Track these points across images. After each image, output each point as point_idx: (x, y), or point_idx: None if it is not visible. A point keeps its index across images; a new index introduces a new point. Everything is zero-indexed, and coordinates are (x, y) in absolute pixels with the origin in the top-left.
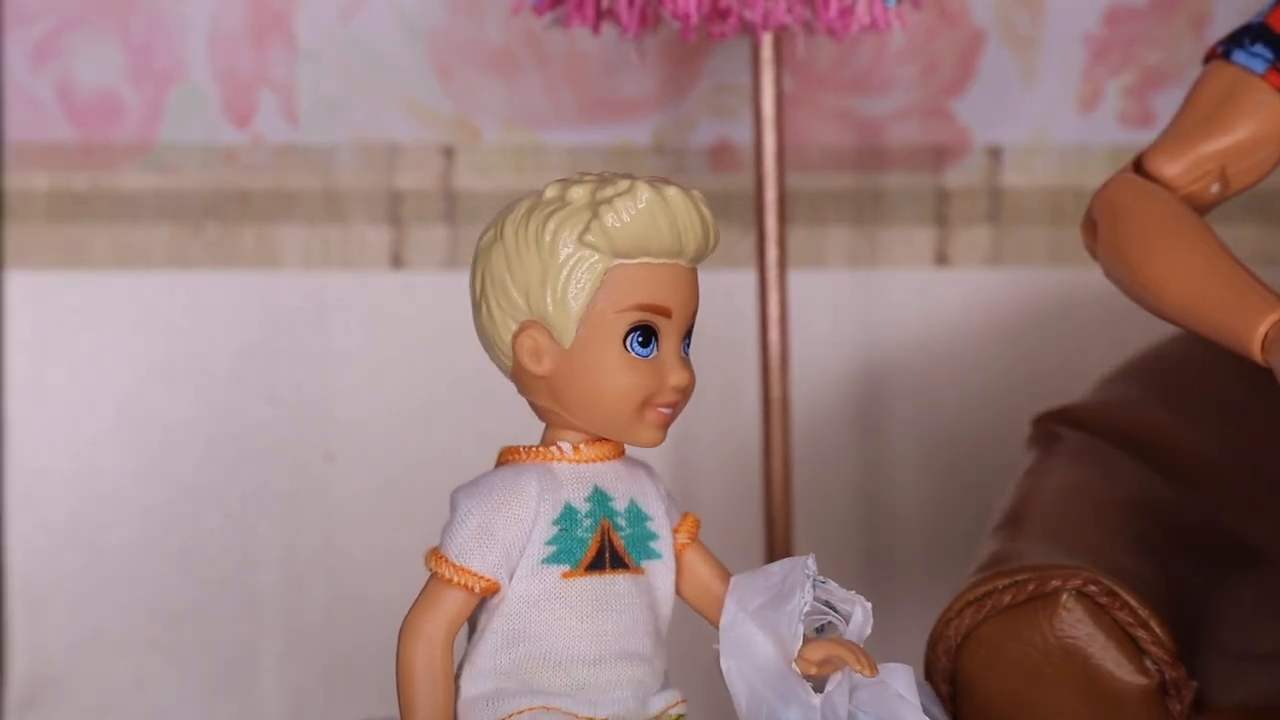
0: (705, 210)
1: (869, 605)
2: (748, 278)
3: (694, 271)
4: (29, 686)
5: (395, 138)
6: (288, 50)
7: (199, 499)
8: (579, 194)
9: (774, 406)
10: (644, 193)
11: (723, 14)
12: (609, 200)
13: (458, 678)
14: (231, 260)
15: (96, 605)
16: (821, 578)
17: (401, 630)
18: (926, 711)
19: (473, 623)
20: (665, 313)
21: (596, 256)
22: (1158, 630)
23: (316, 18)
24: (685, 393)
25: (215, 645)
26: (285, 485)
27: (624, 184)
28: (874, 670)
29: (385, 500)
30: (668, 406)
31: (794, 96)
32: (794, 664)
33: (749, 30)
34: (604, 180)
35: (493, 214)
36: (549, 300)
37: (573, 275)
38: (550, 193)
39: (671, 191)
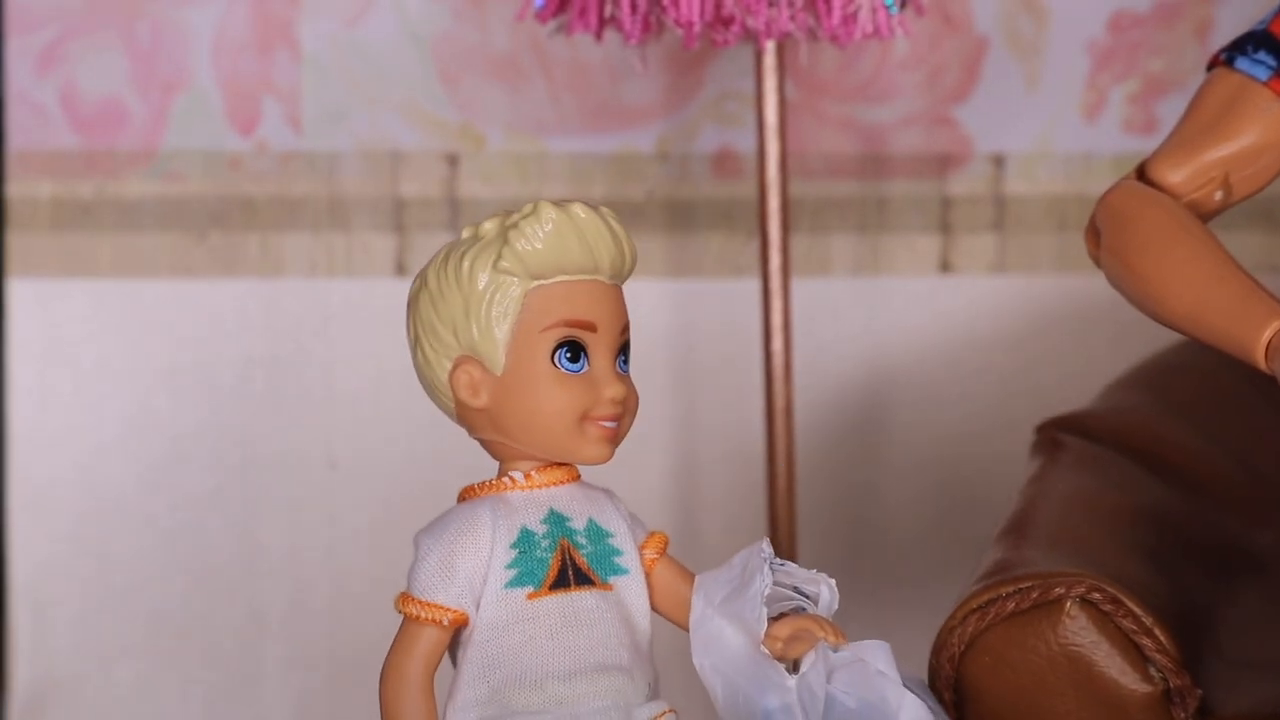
0: (615, 224)
1: (833, 582)
2: (751, 286)
3: (617, 289)
4: (33, 695)
5: (399, 145)
6: (292, 58)
7: (203, 507)
8: (490, 226)
9: (778, 414)
10: (549, 213)
11: (726, 21)
12: (516, 225)
13: (444, 714)
14: (236, 268)
15: (100, 613)
16: (779, 560)
17: (381, 675)
18: (908, 688)
19: (454, 661)
20: (589, 327)
21: (514, 281)
22: (1162, 638)
23: (320, 25)
24: (625, 405)
25: (219, 653)
26: (289, 493)
27: (529, 207)
28: (842, 638)
29: (389, 508)
30: (608, 420)
31: (797, 104)
32: (762, 646)
33: (752, 38)
34: (512, 211)
35: None
36: (475, 331)
37: (494, 303)
38: (465, 233)
39: (577, 208)
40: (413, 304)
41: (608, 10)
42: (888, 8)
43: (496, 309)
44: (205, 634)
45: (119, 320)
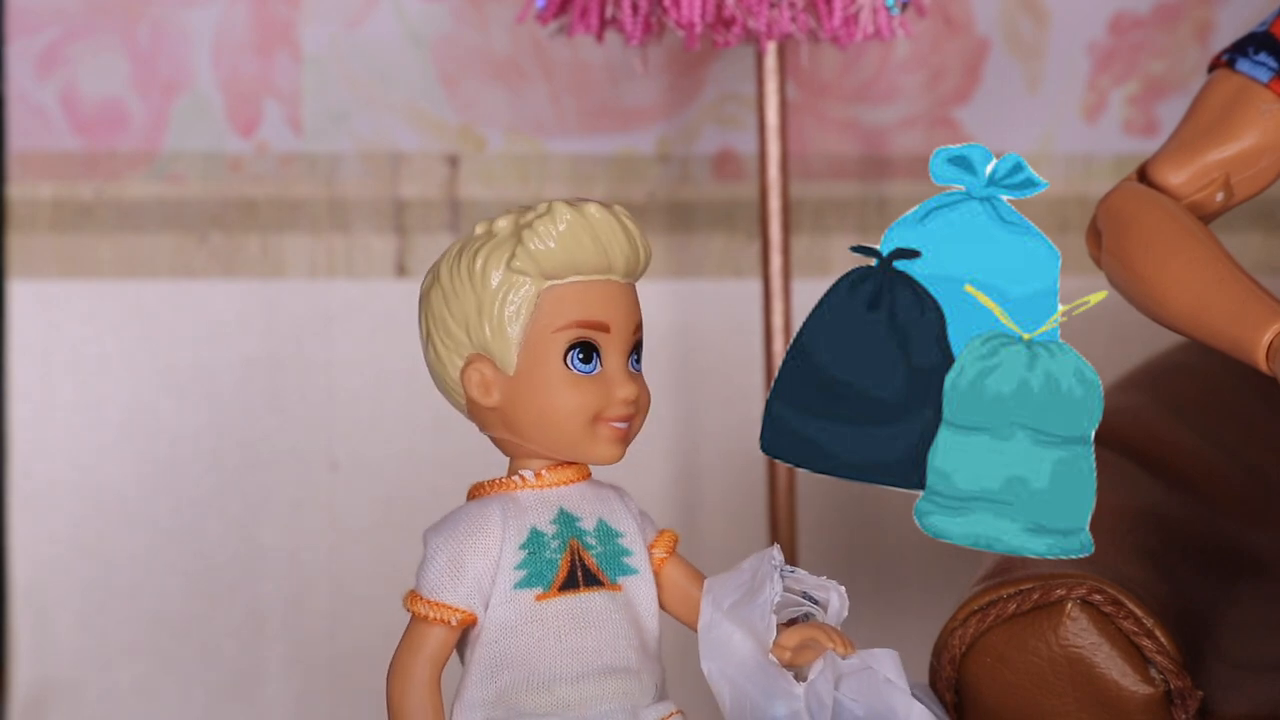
0: (629, 224)
1: (843, 589)
2: (752, 287)
3: (631, 288)
4: (34, 695)
5: (400, 147)
6: (293, 60)
7: (204, 508)
8: (503, 225)
9: None
10: (564, 213)
11: (727, 23)
12: (530, 225)
13: (451, 713)
14: (236, 269)
15: (101, 614)
16: (789, 567)
17: (389, 673)
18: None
19: (462, 657)
20: (602, 328)
21: (527, 280)
22: (1163, 639)
23: (321, 27)
24: (637, 405)
25: (220, 654)
26: (290, 494)
27: (543, 207)
28: (850, 648)
29: (389, 509)
30: (620, 421)
31: (798, 105)
32: (770, 654)
33: (753, 39)
34: (527, 208)
35: None
36: (488, 330)
37: (506, 302)
38: (478, 230)
39: (592, 208)
40: (425, 300)
41: (609, 11)
42: (889, 9)
43: (510, 309)
44: (205, 634)
45: (119, 321)
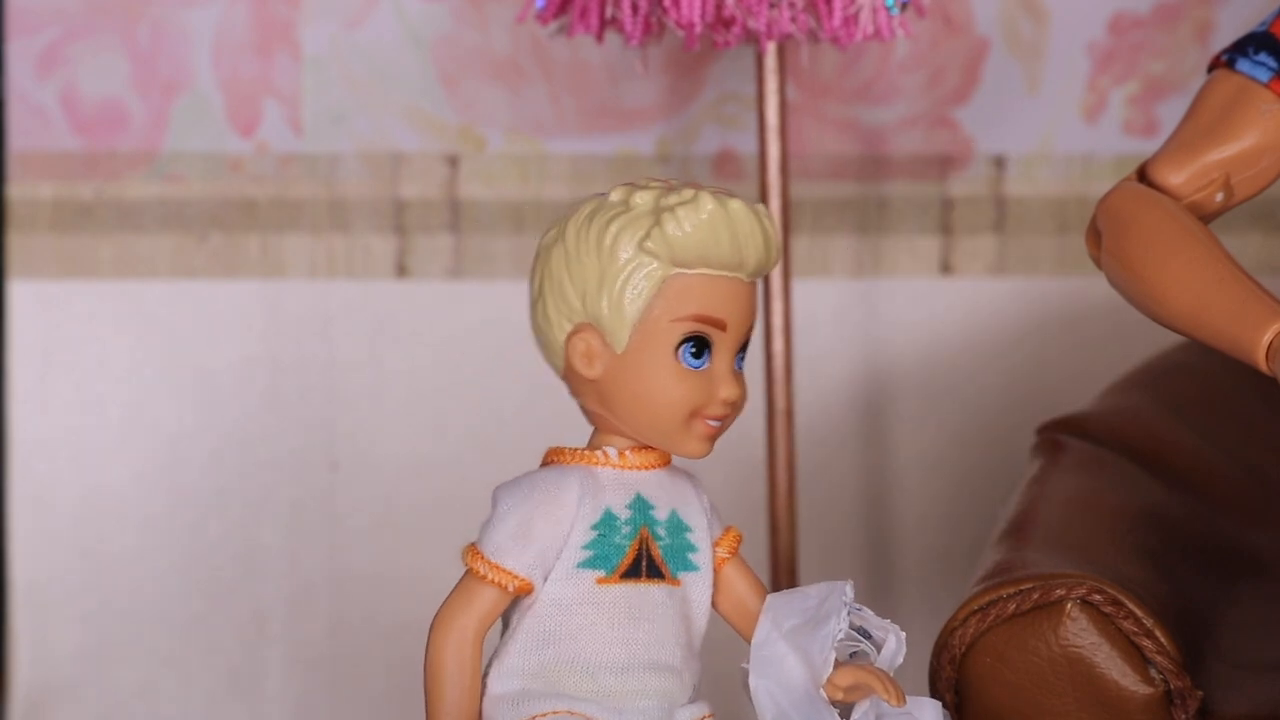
0: (769, 224)
1: (903, 635)
2: None
3: (753, 286)
4: (33, 695)
5: (400, 147)
6: (293, 60)
7: (203, 508)
8: (643, 200)
9: (778, 415)
10: (708, 203)
11: (727, 23)
12: (672, 208)
13: (486, 675)
14: (236, 270)
15: (101, 614)
16: (858, 605)
17: (433, 623)
18: None
19: (505, 620)
20: (720, 325)
21: (655, 264)
22: (1163, 639)
23: (321, 27)
24: (736, 406)
25: (220, 654)
26: (290, 494)
27: (689, 193)
28: (901, 700)
29: (390, 510)
30: (716, 419)
31: (798, 105)
32: (821, 689)
33: (753, 39)
34: (670, 188)
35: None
36: (605, 304)
37: (630, 280)
38: (615, 196)
39: (735, 204)
40: (543, 256)
41: (609, 11)
42: (888, 9)
43: (632, 288)
44: (205, 634)
45: (119, 322)
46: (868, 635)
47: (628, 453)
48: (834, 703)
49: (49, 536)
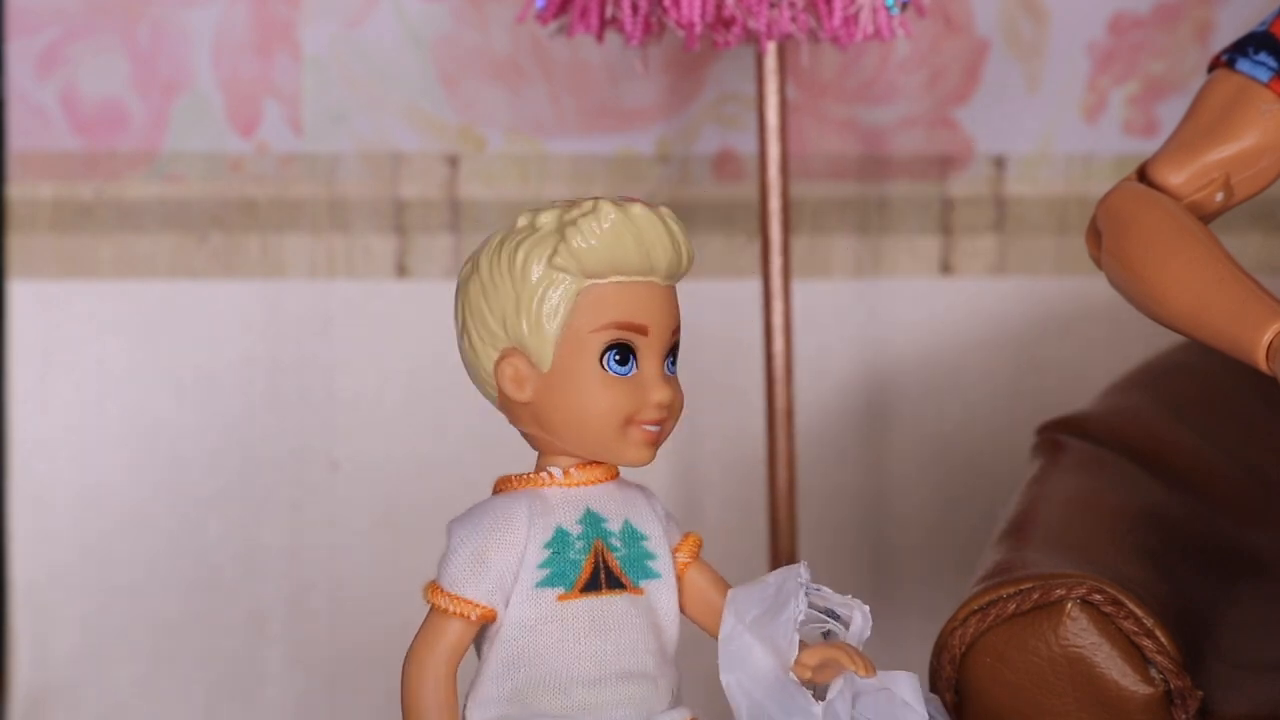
0: (674, 226)
1: (867, 609)
2: (752, 287)
3: (671, 289)
4: (33, 695)
5: (400, 147)
6: (293, 60)
7: (204, 508)
8: (547, 219)
9: (779, 415)
10: (609, 212)
11: (727, 23)
12: (574, 222)
13: (464, 707)
14: (236, 269)
15: (101, 614)
16: (815, 585)
17: (405, 663)
18: None
19: (479, 651)
20: (641, 330)
21: (567, 278)
22: (1163, 639)
23: (321, 27)
24: (670, 410)
25: (219, 654)
26: (290, 494)
27: (588, 205)
28: (871, 670)
29: (390, 509)
30: (652, 424)
31: (798, 105)
32: (791, 671)
33: (753, 39)
34: (571, 204)
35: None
36: (524, 325)
37: (545, 298)
38: (520, 222)
39: (637, 209)
40: (462, 290)
41: (609, 11)
42: (889, 9)
43: (548, 306)
44: (205, 634)
45: (119, 322)
46: (835, 615)
47: (573, 470)
48: (806, 683)
49: (49, 536)
